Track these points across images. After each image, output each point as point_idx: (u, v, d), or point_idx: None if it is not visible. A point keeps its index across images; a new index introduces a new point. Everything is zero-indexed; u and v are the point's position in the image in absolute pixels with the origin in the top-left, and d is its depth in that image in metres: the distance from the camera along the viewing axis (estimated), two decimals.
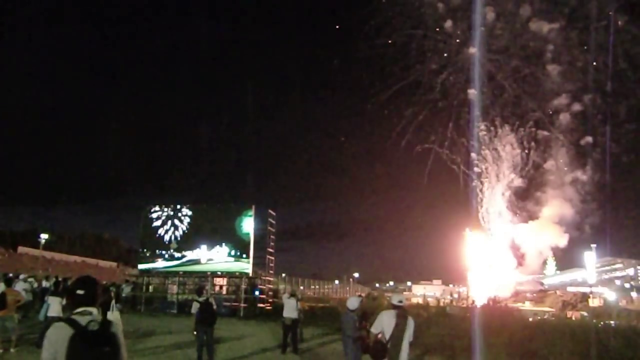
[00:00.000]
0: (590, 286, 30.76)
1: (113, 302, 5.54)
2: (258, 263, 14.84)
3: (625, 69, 33.05)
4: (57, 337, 1.69)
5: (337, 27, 34.27)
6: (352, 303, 4.19)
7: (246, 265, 14.02)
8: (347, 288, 24.66)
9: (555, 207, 37.97)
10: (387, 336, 3.06)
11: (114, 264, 30.18)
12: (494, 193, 36.94)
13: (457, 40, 34.70)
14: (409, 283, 38.33)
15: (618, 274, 38.25)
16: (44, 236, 27.83)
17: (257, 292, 14.38)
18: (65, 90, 73.77)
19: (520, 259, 37.91)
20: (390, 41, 33.89)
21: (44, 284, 11.49)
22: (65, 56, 71.29)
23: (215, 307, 5.54)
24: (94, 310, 1.79)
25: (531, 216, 38.44)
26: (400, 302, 3.18)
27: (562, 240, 36.94)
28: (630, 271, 38.23)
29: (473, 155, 36.12)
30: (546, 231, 38.31)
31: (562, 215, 37.76)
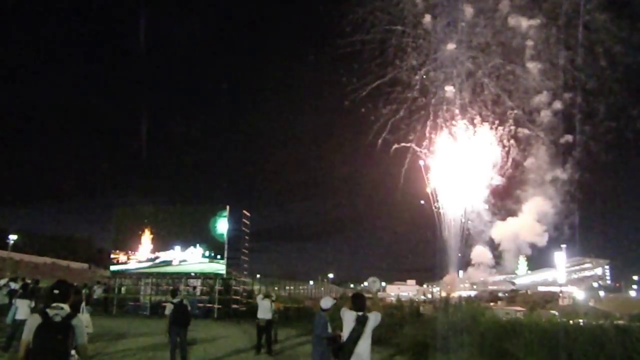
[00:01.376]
0: (560, 286, 31.37)
1: (83, 304, 5.48)
2: (232, 264, 14.75)
3: (604, 67, 33.60)
4: (31, 324, 2.31)
5: (314, 23, 34.34)
6: (326, 303, 4.19)
7: (220, 266, 13.92)
8: (322, 289, 24.67)
9: (535, 205, 38.32)
10: (346, 333, 3.12)
11: (86, 265, 29.68)
12: (473, 192, 37.32)
13: (436, 37, 34.89)
14: (383, 283, 38.56)
15: (587, 273, 39.08)
16: (12, 237, 27.20)
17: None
18: (34, 88, 72.29)
19: (498, 257, 38.37)
20: (368, 37, 33.94)
21: (12, 285, 11.23)
22: (33, 52, 69.84)
23: (189, 308, 5.50)
24: (65, 306, 2.37)
25: (511, 214, 38.84)
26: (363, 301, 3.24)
27: (541, 239, 37.33)
28: (599, 271, 39.09)
29: (451, 153, 36.48)
30: (526, 229, 38.63)
31: (542, 214, 38.19)
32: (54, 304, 2.33)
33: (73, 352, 2.36)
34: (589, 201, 33.30)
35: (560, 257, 34.04)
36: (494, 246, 37.25)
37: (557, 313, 10.33)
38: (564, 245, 34.87)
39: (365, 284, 41.69)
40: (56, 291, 2.38)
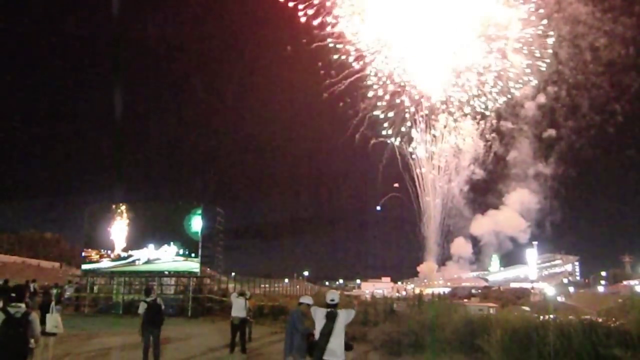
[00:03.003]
0: (532, 282, 31.87)
1: (53, 304, 5.37)
2: (207, 262, 14.67)
3: (588, 60, 33.93)
4: None
5: (291, 15, 34.07)
6: (306, 299, 4.21)
7: (195, 265, 13.81)
8: (297, 287, 24.66)
9: (518, 197, 38.41)
10: (318, 330, 3.16)
11: (57, 264, 29.14)
12: (453, 186, 37.46)
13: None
14: (358, 281, 38.70)
15: (557, 270, 39.76)
16: None
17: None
18: (2, 86, 70.62)
19: (478, 253, 38.54)
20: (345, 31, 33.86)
21: None
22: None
23: (163, 307, 5.45)
24: (22, 305, 3.04)
25: (492, 208, 38.80)
26: (333, 300, 3.26)
27: (524, 235, 37.44)
28: (569, 267, 39.80)
29: (432, 148, 36.53)
30: (508, 223, 38.68)
31: (525, 208, 38.32)
32: (13, 304, 3.01)
33: (32, 341, 3.06)
34: (560, 197, 33.84)
35: (531, 254, 34.59)
36: (474, 241, 37.62)
37: (528, 309, 10.50)
38: (535, 242, 35.41)
39: (341, 281, 41.84)
40: (13, 294, 3.06)
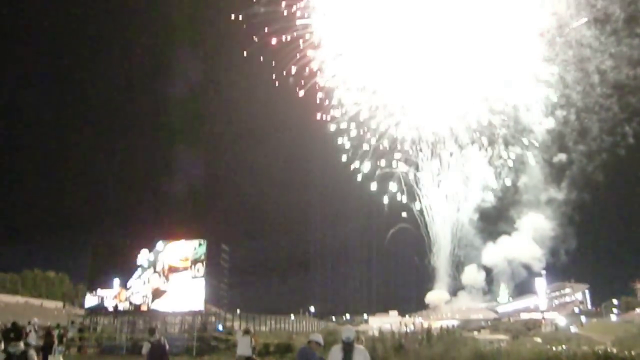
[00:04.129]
0: (542, 312, 31.28)
1: (55, 344, 5.27)
2: (211, 299, 14.49)
3: (596, 83, 34.02)
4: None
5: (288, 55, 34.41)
6: (317, 337, 4.11)
7: (199, 302, 13.63)
8: (304, 322, 24.30)
9: (531, 223, 37.74)
10: None
11: (60, 304, 28.91)
12: (462, 215, 37.00)
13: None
14: (365, 315, 38.12)
15: (567, 299, 39.09)
16: None
17: (219, 326, 14.07)
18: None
19: (490, 283, 37.79)
20: None
21: None
22: None
23: (167, 347, 5.34)
24: (20, 343, 3.28)
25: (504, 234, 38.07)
26: (348, 338, 3.21)
27: (539, 264, 36.67)
28: (579, 295, 39.14)
29: (439, 177, 36.26)
30: (521, 249, 37.90)
31: (539, 234, 37.60)
32: (13, 343, 3.27)
33: None
34: (574, 223, 33.48)
35: (540, 283, 34.04)
36: (487, 270, 37.00)
37: (540, 340, 10.28)
38: (543, 271, 34.91)
39: (348, 316, 41.25)
40: (12, 334, 3.45)
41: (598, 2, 32.01)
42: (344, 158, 35.58)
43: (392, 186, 36.25)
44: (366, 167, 35.39)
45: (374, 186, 36.22)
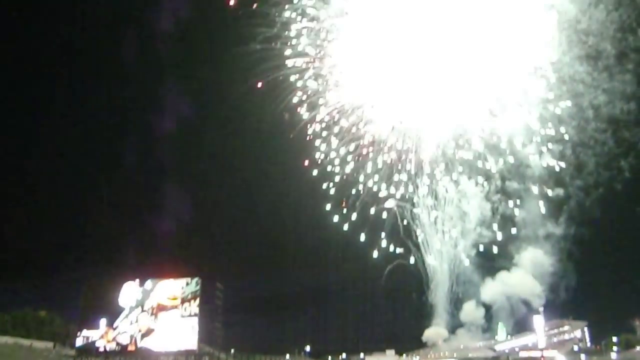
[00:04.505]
0: (541, 350, 30.74)
1: None
2: (205, 338, 14.17)
3: (589, 118, 34.34)
4: None
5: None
6: None
7: (192, 341, 13.33)
8: None
9: (530, 259, 37.55)
10: None
11: (50, 344, 28.19)
12: (459, 251, 36.79)
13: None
14: (361, 355, 37.36)
15: (566, 336, 38.44)
16: None
17: None
18: None
19: (489, 320, 37.28)
20: None
21: None
22: None
23: None
24: None
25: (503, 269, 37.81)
26: None
27: (539, 300, 36.36)
28: (578, 333, 38.51)
29: (435, 212, 36.22)
30: (520, 285, 37.58)
31: (537, 270, 37.35)
32: None
33: None
34: (573, 259, 33.36)
35: (538, 320, 33.56)
36: (486, 306, 36.67)
37: None
38: (541, 308, 34.52)
39: (344, 355, 40.46)
40: None
41: (589, 39, 32.59)
42: (338, 195, 35.35)
43: (389, 222, 35.90)
44: (362, 205, 35.22)
45: (371, 222, 35.92)
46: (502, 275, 36.30)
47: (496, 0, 32.07)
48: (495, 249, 35.50)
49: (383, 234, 35.28)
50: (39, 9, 38.33)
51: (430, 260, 36.15)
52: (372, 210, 35.00)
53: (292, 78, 34.17)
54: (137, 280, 15.64)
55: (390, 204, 35.07)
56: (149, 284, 14.94)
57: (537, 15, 32.47)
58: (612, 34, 31.97)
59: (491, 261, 36.35)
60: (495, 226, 35.21)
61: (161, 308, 14.33)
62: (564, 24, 31.97)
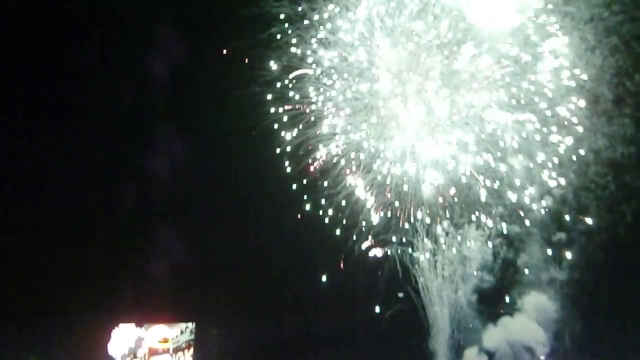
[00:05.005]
0: None
1: None
2: None
3: (590, 162, 34.22)
4: None
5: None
6: None
7: None
8: None
9: (534, 304, 36.78)
10: None
11: None
12: (460, 296, 36.09)
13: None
14: None
15: None
16: None
17: None
18: None
19: None
20: None
21: None
22: None
23: None
24: None
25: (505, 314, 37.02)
26: None
27: (542, 348, 35.50)
28: None
29: (435, 257, 35.70)
30: (523, 330, 36.76)
31: (541, 316, 36.59)
32: None
33: None
34: (578, 305, 32.63)
35: None
36: (488, 354, 35.76)
37: None
38: (542, 357, 33.82)
39: None
40: None
41: (586, 84, 32.86)
42: (337, 233, 34.84)
43: (387, 266, 35.43)
44: (361, 245, 34.69)
45: (368, 268, 35.40)
46: (505, 320, 35.59)
47: (494, 44, 32.84)
48: (497, 294, 35.03)
49: (382, 278, 34.92)
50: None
51: (430, 305, 35.55)
52: (372, 252, 34.67)
53: (289, 123, 34.39)
54: (129, 326, 14.86)
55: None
56: (141, 330, 14.21)
57: (534, 61, 33.06)
58: (609, 79, 32.46)
59: (493, 306, 35.80)
60: (496, 270, 34.89)
61: (153, 352, 13.64)
62: (561, 69, 32.52)
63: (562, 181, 33.64)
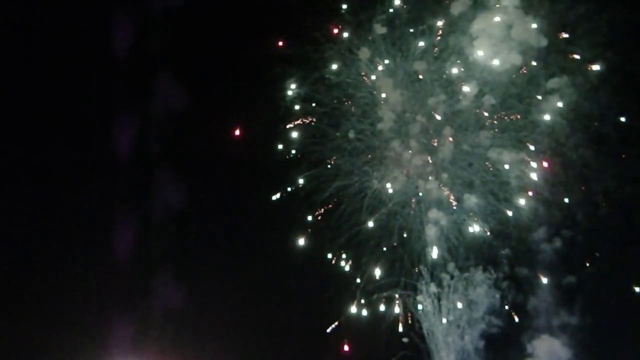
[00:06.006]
0: None
1: None
2: None
3: (599, 202, 33.77)
4: None
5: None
6: None
7: None
8: None
9: (546, 349, 35.39)
10: None
11: None
12: (466, 342, 34.95)
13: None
14: None
15: None
16: None
17: None
18: None
19: None
20: None
21: None
22: None
23: None
24: None
25: None
26: None
27: None
28: None
29: (440, 302, 34.83)
30: None
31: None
32: None
33: None
34: (592, 352, 31.45)
35: None
36: None
37: None
38: None
39: None
40: None
41: (592, 124, 32.71)
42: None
43: (391, 311, 34.73)
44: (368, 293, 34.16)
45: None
46: None
47: (497, 83, 32.87)
48: (505, 340, 34.05)
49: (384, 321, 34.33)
50: None
51: (436, 351, 34.65)
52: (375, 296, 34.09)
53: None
54: None
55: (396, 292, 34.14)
56: None
57: (538, 101, 32.96)
58: (615, 119, 32.26)
59: (501, 353, 34.73)
60: (504, 315, 34.03)
61: None
62: (565, 108, 32.41)
63: (572, 222, 33.12)
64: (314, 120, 34.62)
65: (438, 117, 34.20)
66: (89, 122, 35.32)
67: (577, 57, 32.53)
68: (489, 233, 33.99)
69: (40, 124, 34.96)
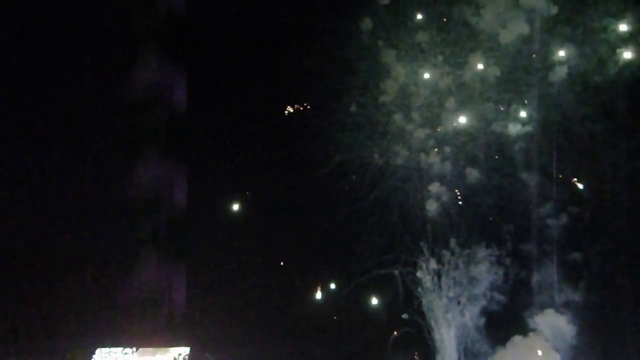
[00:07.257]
0: None
1: None
2: None
3: (607, 177, 33.04)
4: None
5: None
6: None
7: None
8: None
9: (548, 323, 35.38)
10: None
11: None
12: (467, 319, 35.14)
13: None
14: None
15: None
16: None
17: None
18: None
19: None
20: None
21: None
22: None
23: None
24: None
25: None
26: None
27: None
28: None
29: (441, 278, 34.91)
30: (535, 352, 35.19)
31: (557, 338, 35.09)
32: None
33: None
34: (596, 329, 31.41)
35: None
36: None
37: None
38: None
39: None
40: None
41: (601, 97, 32.37)
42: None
43: (390, 287, 34.76)
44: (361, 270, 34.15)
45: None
46: (516, 340, 34.32)
47: (503, 54, 32.29)
48: (507, 317, 34.22)
49: (384, 298, 34.39)
50: None
51: (436, 328, 34.86)
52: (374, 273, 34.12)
53: None
54: (115, 351, 13.87)
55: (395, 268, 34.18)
56: (129, 356, 13.25)
57: (546, 71, 32.58)
58: (623, 91, 31.88)
59: (503, 329, 34.81)
60: (507, 291, 34.18)
61: None
62: (573, 79, 32.10)
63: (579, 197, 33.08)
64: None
65: (441, 89, 33.97)
66: None
67: (585, 27, 31.99)
68: (492, 208, 33.74)
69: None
